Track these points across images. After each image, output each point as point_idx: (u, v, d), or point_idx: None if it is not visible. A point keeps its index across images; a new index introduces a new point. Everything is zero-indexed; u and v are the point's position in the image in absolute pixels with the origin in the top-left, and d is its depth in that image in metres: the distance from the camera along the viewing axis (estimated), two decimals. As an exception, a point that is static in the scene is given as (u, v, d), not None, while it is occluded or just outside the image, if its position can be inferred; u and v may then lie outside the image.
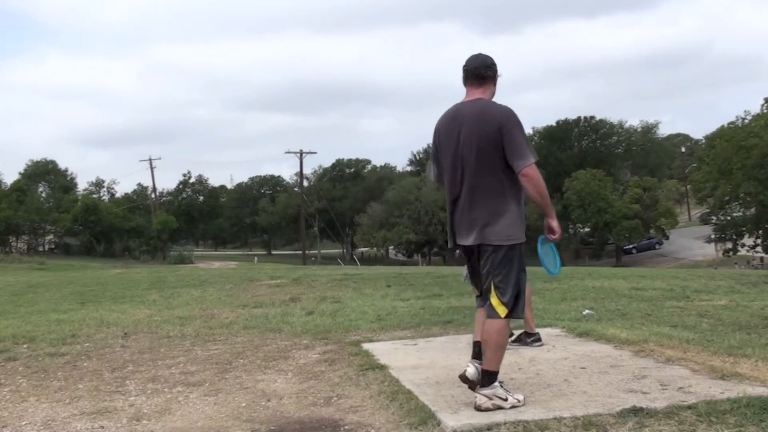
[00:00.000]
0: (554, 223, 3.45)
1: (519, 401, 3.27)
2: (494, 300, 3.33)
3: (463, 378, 3.44)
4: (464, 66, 3.50)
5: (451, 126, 3.44)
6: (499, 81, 3.56)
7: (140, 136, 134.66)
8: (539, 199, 3.31)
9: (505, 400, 3.24)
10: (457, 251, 3.61)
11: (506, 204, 3.33)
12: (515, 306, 3.35)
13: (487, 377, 3.29)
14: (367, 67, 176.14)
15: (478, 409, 3.22)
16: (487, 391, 3.25)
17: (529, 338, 4.90)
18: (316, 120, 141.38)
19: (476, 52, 3.54)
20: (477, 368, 3.41)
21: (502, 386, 3.30)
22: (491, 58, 3.52)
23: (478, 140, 3.31)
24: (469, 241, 3.39)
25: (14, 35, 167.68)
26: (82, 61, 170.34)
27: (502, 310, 3.32)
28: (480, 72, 3.47)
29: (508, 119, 3.31)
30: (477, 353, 3.52)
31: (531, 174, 3.27)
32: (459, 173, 3.40)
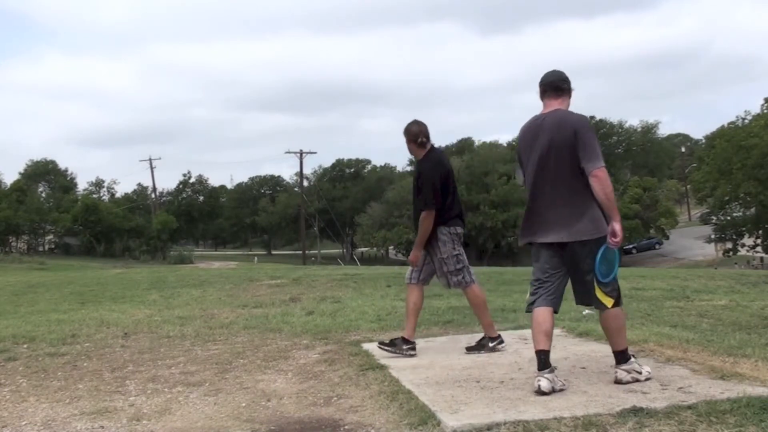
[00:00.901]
0: (618, 227, 3.58)
1: (650, 372, 3.66)
2: (599, 293, 3.62)
3: (539, 393, 3.45)
4: (542, 81, 3.83)
5: (534, 135, 3.75)
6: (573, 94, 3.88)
7: (140, 136, 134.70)
8: (605, 200, 3.57)
9: (640, 373, 3.63)
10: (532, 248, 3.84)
11: (588, 203, 3.62)
12: (618, 294, 3.68)
13: (621, 355, 3.67)
14: (367, 67, 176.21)
15: (619, 382, 3.58)
16: (625, 366, 3.63)
17: (492, 342, 4.76)
18: (316, 120, 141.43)
19: (551, 69, 3.88)
20: (549, 379, 3.48)
21: (635, 360, 3.69)
22: (565, 74, 3.86)
23: (558, 146, 3.63)
24: (553, 238, 3.67)
25: (13, 35, 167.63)
26: (82, 62, 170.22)
27: (608, 301, 3.63)
28: (557, 85, 3.80)
29: (582, 125, 3.66)
30: (544, 362, 3.56)
31: (601, 176, 3.55)
32: (543, 177, 3.69)
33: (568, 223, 3.61)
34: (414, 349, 4.73)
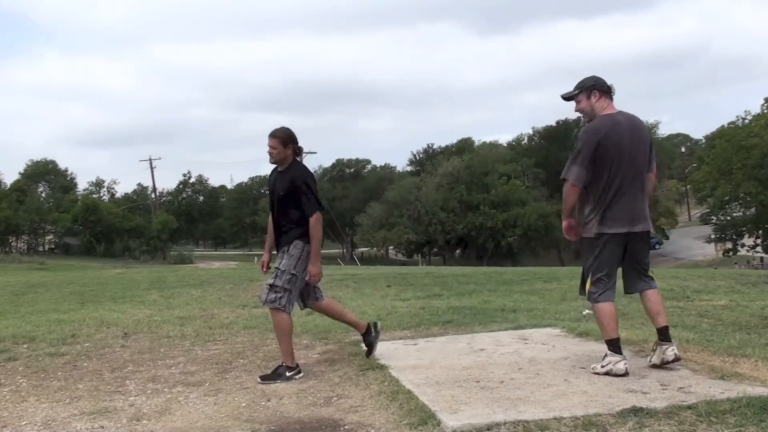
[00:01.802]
0: None
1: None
2: (651, 273, 4.16)
3: (624, 374, 3.80)
4: (603, 83, 4.09)
5: (620, 132, 3.98)
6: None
7: (140, 136, 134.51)
8: (652, 192, 4.22)
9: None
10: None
11: (646, 198, 4.11)
12: None
13: (667, 332, 4.05)
14: (366, 67, 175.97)
15: (677, 360, 3.91)
16: (675, 344, 4.02)
17: (290, 372, 4.27)
18: (316, 120, 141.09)
19: (593, 74, 4.16)
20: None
21: None
22: None
23: (642, 144, 4.04)
24: (639, 228, 4.01)
25: (11, 35, 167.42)
26: (81, 62, 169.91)
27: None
28: (612, 90, 4.16)
29: (647, 130, 4.25)
30: (619, 347, 3.99)
31: (656, 171, 4.24)
32: (630, 172, 3.97)
33: (645, 216, 4.04)
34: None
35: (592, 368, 3.95)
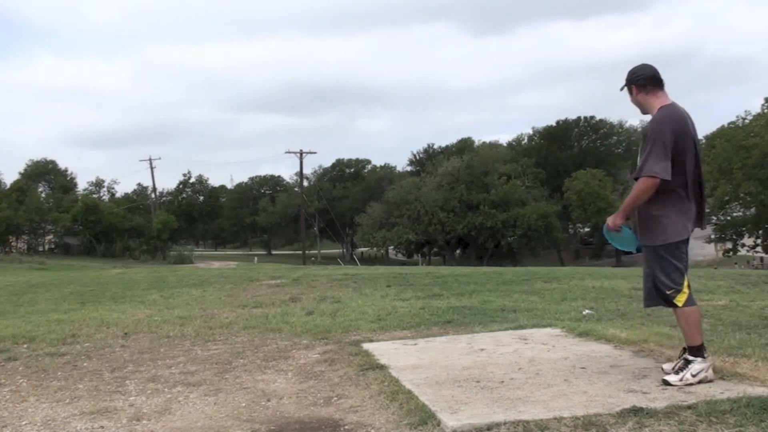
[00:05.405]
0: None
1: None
2: None
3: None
4: (657, 73, 3.83)
5: (691, 124, 3.72)
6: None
7: (140, 137, 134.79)
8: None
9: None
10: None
11: None
12: None
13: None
14: (364, 67, 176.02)
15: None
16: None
17: None
18: (315, 120, 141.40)
19: (644, 63, 3.87)
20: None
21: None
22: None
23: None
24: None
25: (6, 36, 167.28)
26: (78, 63, 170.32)
27: None
28: None
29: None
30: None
31: None
32: (699, 170, 3.75)
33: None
34: None
35: (678, 380, 3.53)
